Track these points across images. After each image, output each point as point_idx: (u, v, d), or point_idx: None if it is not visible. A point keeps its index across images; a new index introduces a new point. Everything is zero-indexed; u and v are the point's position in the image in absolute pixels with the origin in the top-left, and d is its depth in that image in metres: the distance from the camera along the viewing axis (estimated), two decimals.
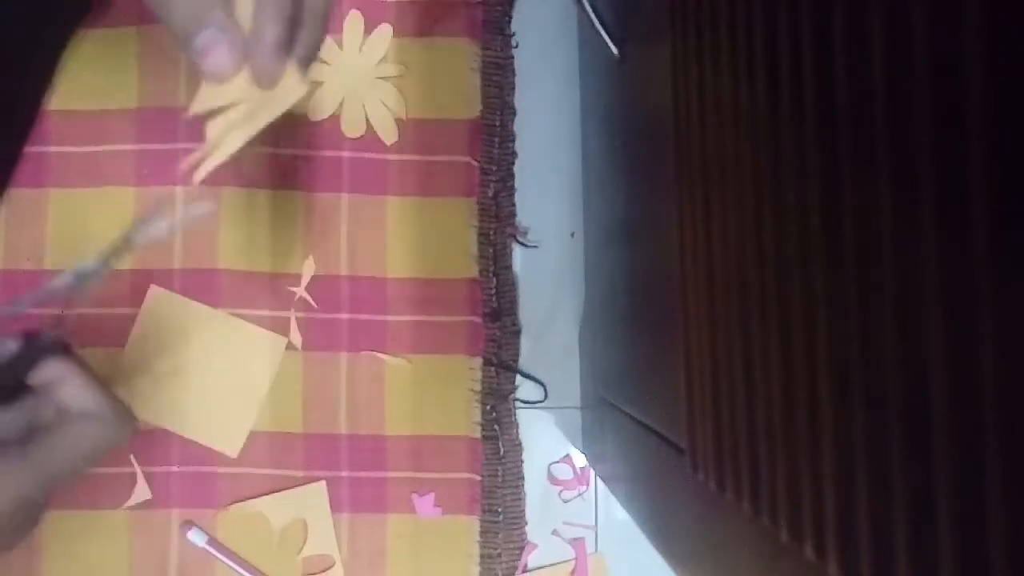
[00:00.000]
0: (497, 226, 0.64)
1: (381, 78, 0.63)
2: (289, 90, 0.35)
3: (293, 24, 0.34)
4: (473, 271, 0.63)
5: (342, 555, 0.61)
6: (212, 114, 0.35)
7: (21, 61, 0.36)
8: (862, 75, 0.19)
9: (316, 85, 0.63)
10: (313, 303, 0.62)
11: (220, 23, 0.33)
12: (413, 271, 0.63)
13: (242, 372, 0.61)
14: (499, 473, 0.62)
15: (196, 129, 0.36)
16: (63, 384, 0.36)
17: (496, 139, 0.64)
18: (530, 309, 0.65)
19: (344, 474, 0.61)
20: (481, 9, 0.64)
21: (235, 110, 0.35)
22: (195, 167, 0.35)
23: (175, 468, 0.61)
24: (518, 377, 0.64)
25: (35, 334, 0.35)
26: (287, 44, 0.34)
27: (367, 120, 0.63)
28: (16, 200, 0.61)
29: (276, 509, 0.61)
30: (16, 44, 0.38)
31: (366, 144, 0.63)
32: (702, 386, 0.32)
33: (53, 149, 0.62)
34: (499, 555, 0.62)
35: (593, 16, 0.48)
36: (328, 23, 0.36)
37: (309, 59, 0.36)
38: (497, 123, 0.64)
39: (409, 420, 0.62)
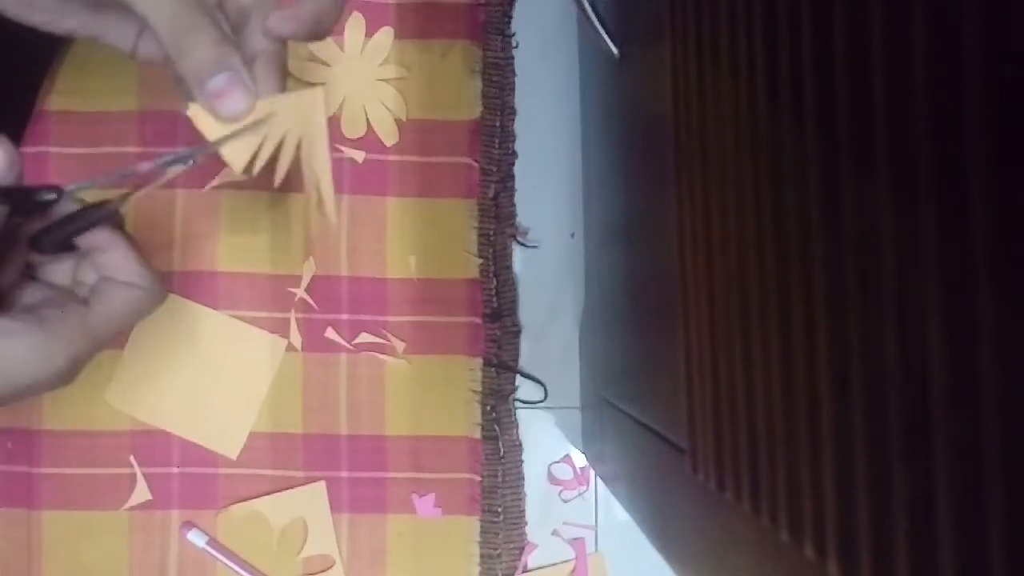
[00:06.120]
0: (497, 226, 0.64)
1: (382, 80, 0.63)
2: (315, 100, 0.37)
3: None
4: (473, 271, 0.63)
5: (342, 555, 0.61)
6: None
7: (15, 56, 0.37)
8: (862, 74, 0.19)
9: (316, 87, 0.63)
10: (313, 304, 0.62)
11: (238, 66, 0.35)
12: (413, 271, 0.63)
13: (242, 374, 0.61)
14: (499, 473, 0.62)
15: (197, 133, 0.37)
16: (108, 251, 0.38)
17: (496, 140, 0.64)
18: (530, 309, 0.65)
19: (344, 474, 0.61)
20: (482, 11, 0.64)
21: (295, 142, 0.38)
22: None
23: (175, 469, 0.61)
24: (518, 377, 0.64)
25: (97, 203, 0.38)
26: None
27: (368, 121, 0.63)
28: None
29: (276, 509, 0.61)
30: (11, 38, 0.39)
31: (366, 145, 0.63)
32: (702, 386, 0.32)
33: (53, 149, 0.62)
34: (499, 555, 0.62)
35: (593, 16, 0.48)
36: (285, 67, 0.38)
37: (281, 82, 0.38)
38: (497, 124, 0.64)
39: (409, 420, 0.62)
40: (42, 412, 0.60)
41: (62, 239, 0.37)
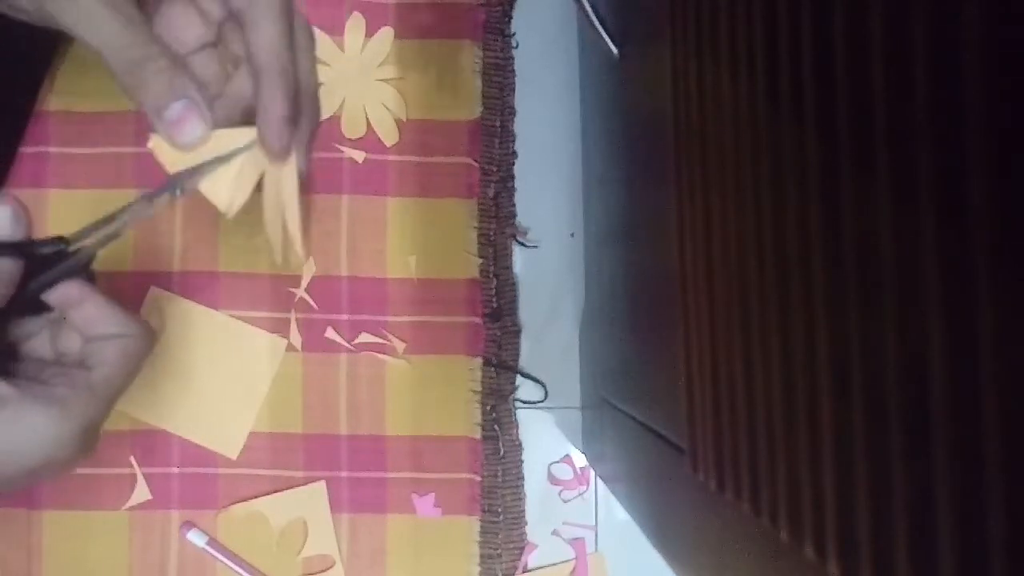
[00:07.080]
0: (497, 226, 0.64)
1: (382, 80, 0.63)
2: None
3: (296, 102, 0.35)
4: (473, 271, 0.63)
5: (342, 555, 0.61)
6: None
7: (15, 56, 0.36)
8: (862, 74, 0.19)
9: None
10: (313, 304, 0.62)
11: (193, 94, 0.34)
12: (413, 271, 0.63)
13: (242, 374, 0.61)
14: (499, 473, 0.62)
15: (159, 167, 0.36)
16: (83, 304, 0.36)
17: (496, 140, 0.64)
18: (530, 309, 0.65)
19: (344, 474, 0.61)
20: (482, 11, 0.64)
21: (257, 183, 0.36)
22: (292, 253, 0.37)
23: (175, 469, 0.61)
24: (518, 377, 0.64)
25: (65, 254, 0.35)
26: (294, 120, 0.35)
27: (368, 121, 0.63)
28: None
29: (276, 509, 0.61)
30: (11, 38, 0.38)
31: (366, 145, 0.63)
32: (702, 386, 0.32)
33: (53, 149, 0.62)
34: (499, 555, 0.62)
35: (593, 16, 0.48)
36: (319, 106, 0.37)
37: (310, 139, 0.37)
38: (497, 124, 0.64)
39: (409, 420, 0.62)
40: None
41: (31, 296, 0.35)
